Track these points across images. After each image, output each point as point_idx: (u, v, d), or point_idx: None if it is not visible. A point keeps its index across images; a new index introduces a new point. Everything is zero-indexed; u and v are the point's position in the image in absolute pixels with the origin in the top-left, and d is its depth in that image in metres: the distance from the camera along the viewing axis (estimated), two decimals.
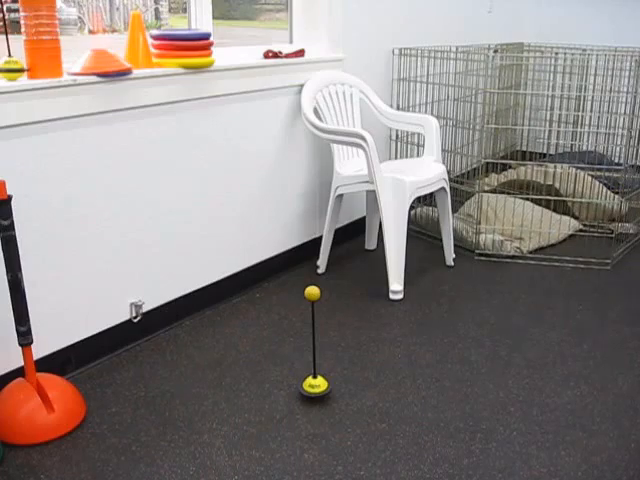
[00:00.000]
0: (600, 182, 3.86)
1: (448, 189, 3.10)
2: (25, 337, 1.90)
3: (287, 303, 2.79)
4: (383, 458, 1.84)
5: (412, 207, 2.88)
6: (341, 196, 3.01)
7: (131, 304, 2.42)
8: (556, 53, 4.21)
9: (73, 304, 2.23)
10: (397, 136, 3.66)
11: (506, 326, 2.61)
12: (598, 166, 3.68)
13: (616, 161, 4.04)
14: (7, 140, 1.94)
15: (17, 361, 2.01)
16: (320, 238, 3.10)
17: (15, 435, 1.88)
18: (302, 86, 2.98)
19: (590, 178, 3.81)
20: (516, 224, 3.52)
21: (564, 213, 3.80)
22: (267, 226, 2.98)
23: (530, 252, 3.41)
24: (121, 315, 2.40)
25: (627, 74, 3.80)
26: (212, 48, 2.47)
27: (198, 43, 2.41)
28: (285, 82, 2.89)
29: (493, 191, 4.02)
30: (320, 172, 3.20)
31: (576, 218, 3.79)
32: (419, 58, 3.61)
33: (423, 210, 3.71)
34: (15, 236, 1.83)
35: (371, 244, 3.43)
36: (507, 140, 4.43)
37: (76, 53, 2.16)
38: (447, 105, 3.80)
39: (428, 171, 2.96)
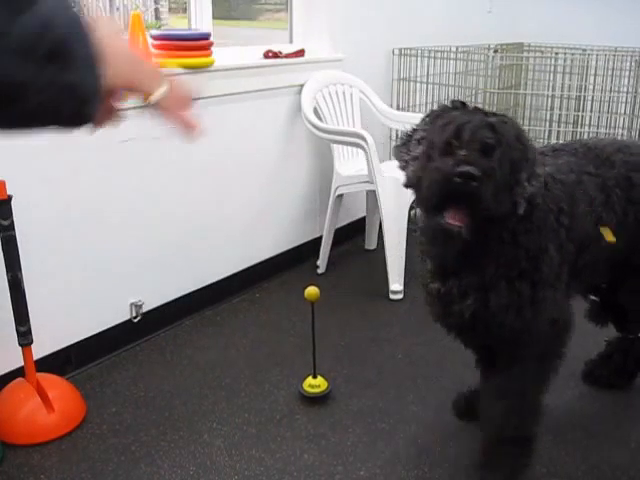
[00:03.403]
0: None
1: None
2: (25, 337, 1.90)
3: (287, 303, 2.79)
4: (383, 458, 1.84)
5: (412, 207, 2.88)
6: (341, 196, 3.01)
7: (131, 304, 2.42)
8: (556, 53, 4.21)
9: (73, 304, 2.23)
10: (397, 136, 3.65)
11: None
12: None
13: None
14: (7, 140, 1.93)
15: (17, 361, 2.00)
16: (320, 238, 3.10)
17: (15, 435, 1.88)
18: (302, 86, 2.98)
19: None
20: None
21: None
22: (267, 226, 2.98)
23: None
24: (121, 315, 2.40)
25: (627, 74, 3.79)
26: (212, 48, 2.47)
27: (198, 43, 2.41)
28: (285, 82, 2.89)
29: None
30: (320, 172, 3.19)
31: None
32: (419, 58, 3.60)
33: None
34: (15, 236, 1.83)
35: (371, 244, 3.43)
36: None
37: None
38: None
39: None
